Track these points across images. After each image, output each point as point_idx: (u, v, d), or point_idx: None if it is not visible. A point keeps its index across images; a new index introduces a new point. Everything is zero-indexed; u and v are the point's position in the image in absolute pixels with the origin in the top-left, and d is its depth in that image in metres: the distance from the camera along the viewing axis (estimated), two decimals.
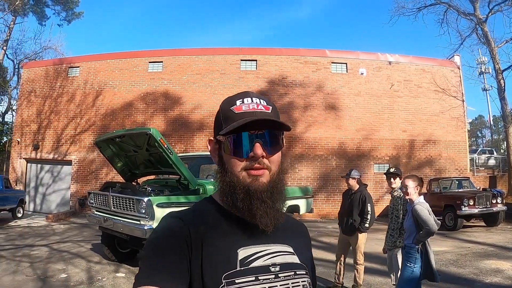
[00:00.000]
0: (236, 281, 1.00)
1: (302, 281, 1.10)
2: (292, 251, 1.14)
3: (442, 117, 19.00)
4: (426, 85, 19.07)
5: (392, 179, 5.41)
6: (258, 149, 1.05)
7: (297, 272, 1.10)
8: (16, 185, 19.52)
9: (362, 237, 6.17)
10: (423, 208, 4.31)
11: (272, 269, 1.06)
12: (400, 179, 5.31)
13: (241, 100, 1.12)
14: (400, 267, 4.87)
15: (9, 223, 14.76)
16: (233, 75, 18.76)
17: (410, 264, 4.33)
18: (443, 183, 15.00)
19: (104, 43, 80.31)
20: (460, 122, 19.18)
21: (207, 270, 1.00)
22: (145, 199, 6.78)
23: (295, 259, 1.13)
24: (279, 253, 1.10)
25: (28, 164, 20.83)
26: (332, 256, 8.77)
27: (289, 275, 1.08)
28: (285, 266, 1.08)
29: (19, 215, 16.35)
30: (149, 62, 19.50)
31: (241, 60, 19.00)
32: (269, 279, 1.04)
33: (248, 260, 1.05)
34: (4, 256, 8.69)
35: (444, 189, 14.60)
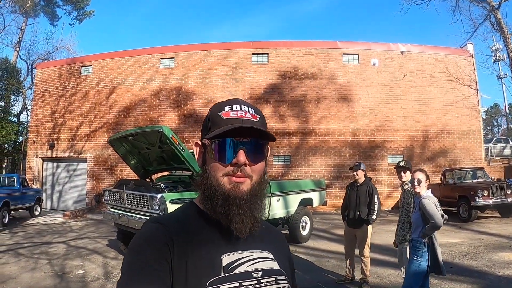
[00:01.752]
0: (221, 287, 1.00)
1: (282, 287, 1.11)
2: (272, 257, 1.16)
3: (456, 106, 18.78)
4: (439, 74, 18.84)
5: (402, 173, 5.37)
6: (241, 156, 1.06)
7: (278, 278, 1.11)
8: (33, 183, 19.78)
9: (369, 229, 6.18)
10: (430, 202, 4.29)
11: (255, 275, 1.07)
12: (411, 173, 5.26)
13: (229, 106, 1.12)
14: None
15: (27, 221, 14.96)
16: (244, 69, 18.73)
17: (417, 258, 4.32)
18: (457, 173, 14.83)
19: (115, 41, 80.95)
20: (474, 111, 18.95)
21: (191, 276, 1.00)
22: (158, 195, 6.91)
23: (275, 265, 1.14)
24: (260, 259, 1.11)
25: (44, 163, 21.10)
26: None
27: (270, 281, 1.09)
28: (266, 272, 1.09)
29: (37, 213, 16.57)
30: (161, 59, 19.57)
31: (253, 53, 18.94)
32: (251, 285, 1.05)
33: (232, 266, 1.05)
34: (22, 253, 8.86)
35: (458, 180, 14.45)
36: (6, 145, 26.40)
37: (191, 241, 1.05)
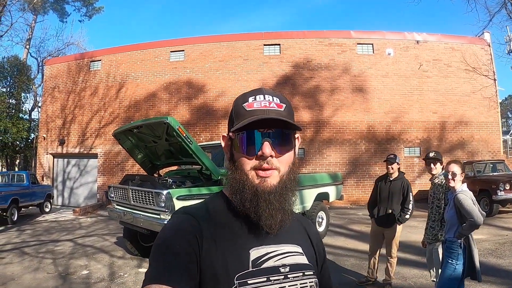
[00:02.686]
0: (249, 281, 1.01)
1: (310, 282, 1.10)
2: (301, 251, 1.14)
3: (473, 97, 18.22)
4: (455, 64, 18.24)
5: (432, 165, 4.90)
6: (267, 148, 1.04)
7: (306, 273, 1.11)
8: (43, 180, 19.73)
9: (399, 229, 5.71)
10: (467, 197, 3.83)
11: (282, 270, 1.06)
12: (441, 165, 4.84)
13: (253, 97, 1.11)
14: (440, 263, 4.40)
15: (37, 218, 14.86)
16: (256, 61, 18.36)
17: (452, 261, 3.87)
18: (477, 166, 14.28)
19: (125, 36, 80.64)
20: (492, 102, 18.33)
21: (219, 269, 1.00)
22: (164, 192, 6.46)
23: (303, 259, 1.13)
24: (289, 253, 1.10)
25: (55, 159, 21.10)
26: (364, 246, 8.32)
27: (297, 276, 1.08)
28: (294, 267, 1.09)
29: (47, 209, 16.51)
30: (171, 52, 19.29)
31: (264, 45, 18.54)
32: (278, 279, 1.04)
33: (260, 260, 1.05)
34: (27, 253, 8.59)
35: (478, 173, 13.93)
36: (17, 143, 26.39)
37: (220, 234, 1.05)
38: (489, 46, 19.16)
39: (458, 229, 3.84)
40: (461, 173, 3.99)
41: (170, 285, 0.92)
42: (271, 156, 1.05)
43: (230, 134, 1.11)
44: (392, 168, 5.71)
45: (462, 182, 4.03)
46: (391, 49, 18.36)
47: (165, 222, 6.25)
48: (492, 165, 14.44)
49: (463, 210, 3.78)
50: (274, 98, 1.11)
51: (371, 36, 18.69)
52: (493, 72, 18.50)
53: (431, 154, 4.96)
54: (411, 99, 18.06)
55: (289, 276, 1.07)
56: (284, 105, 1.10)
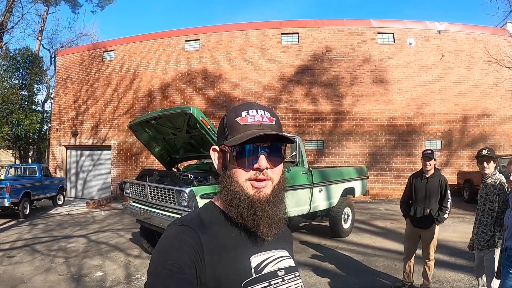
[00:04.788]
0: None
1: (300, 282, 1.20)
2: (288, 254, 1.24)
3: (496, 89, 17.58)
4: (478, 55, 17.58)
5: (485, 164, 4.42)
6: (263, 161, 1.09)
7: (296, 274, 1.20)
8: (55, 172, 19.56)
9: (437, 229, 5.27)
10: None
11: (279, 274, 1.15)
12: (495, 163, 4.38)
13: (246, 111, 1.15)
14: (495, 272, 3.94)
15: (50, 211, 14.63)
16: (274, 50, 17.87)
17: None
18: (501, 161, 13.71)
19: (138, 26, 79.72)
20: None
21: (224, 279, 1.03)
22: (187, 190, 5.93)
23: (292, 262, 1.23)
24: (282, 257, 1.20)
25: (68, 151, 20.93)
26: (392, 245, 7.98)
27: (291, 278, 1.17)
28: (288, 270, 1.18)
29: (60, 202, 16.31)
30: (186, 41, 18.89)
31: (282, 33, 18.00)
32: (277, 283, 1.13)
33: (261, 267, 1.11)
34: (39, 250, 8.22)
35: (503, 168, 13.34)
36: (30, 134, 26.29)
37: (220, 245, 1.08)
38: None
39: None
40: None
41: None
42: (266, 168, 1.10)
43: (223, 147, 1.15)
44: (430, 165, 5.27)
45: None
46: (412, 39, 17.75)
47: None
48: (510, 160, 13.82)
49: None
50: (265, 112, 1.16)
51: (392, 25, 18.10)
52: None
53: (484, 152, 4.45)
54: (432, 91, 17.51)
55: (285, 278, 1.15)
56: (274, 119, 1.17)
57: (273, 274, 1.13)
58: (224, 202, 1.13)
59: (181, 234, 1.06)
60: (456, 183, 15.57)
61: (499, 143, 17.44)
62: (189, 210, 5.84)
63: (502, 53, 16.92)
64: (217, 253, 1.05)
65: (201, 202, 5.78)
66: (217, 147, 1.20)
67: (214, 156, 1.21)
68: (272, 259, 1.15)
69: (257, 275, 1.08)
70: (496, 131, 17.62)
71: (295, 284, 1.17)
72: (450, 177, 16.19)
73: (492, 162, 4.41)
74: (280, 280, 1.13)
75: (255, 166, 1.10)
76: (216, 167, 1.22)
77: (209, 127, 6.21)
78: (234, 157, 1.11)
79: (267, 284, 1.09)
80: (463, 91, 17.62)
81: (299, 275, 1.21)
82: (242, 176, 1.11)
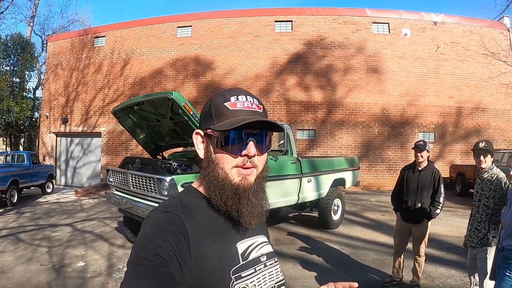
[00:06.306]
0: (242, 274, 1.07)
1: (279, 267, 1.22)
2: (267, 240, 1.25)
3: (491, 83, 17.49)
4: (474, 48, 17.46)
5: (482, 157, 4.15)
6: (252, 148, 1.07)
7: (275, 259, 1.23)
8: (44, 160, 19.40)
9: (429, 225, 5.10)
10: None
11: (262, 259, 1.16)
12: (492, 157, 4.15)
13: (235, 97, 1.12)
14: (489, 272, 3.75)
15: (38, 199, 14.44)
16: (267, 37, 17.66)
17: (511, 273, 3.22)
18: (495, 155, 13.59)
19: (131, 12, 78.86)
20: (510, 89, 17.52)
21: (212, 266, 1.01)
22: (168, 178, 5.71)
23: (270, 248, 1.24)
24: (263, 243, 1.20)
25: (58, 138, 20.71)
26: (382, 238, 7.85)
27: (272, 263, 1.19)
28: (269, 255, 1.20)
29: (49, 190, 16.15)
30: (178, 27, 18.65)
31: (276, 21, 17.78)
32: (261, 268, 1.14)
33: (246, 253, 1.12)
34: (23, 239, 8.06)
35: (496, 162, 13.21)
36: (21, 122, 26.02)
37: (206, 232, 1.05)
38: (509, 31, 18.38)
39: None
40: None
41: None
42: (254, 155, 1.08)
43: (209, 131, 1.11)
44: (422, 157, 5.04)
45: None
46: (408, 30, 17.60)
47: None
48: (510, 155, 13.73)
49: None
50: (254, 99, 1.14)
51: (387, 15, 17.87)
52: None
53: (482, 145, 4.16)
54: (427, 82, 17.38)
55: (267, 264, 1.17)
56: (262, 107, 1.15)
57: (257, 260, 1.14)
58: (207, 189, 1.11)
59: (165, 222, 1.01)
60: (448, 176, 15.47)
61: (492, 137, 17.32)
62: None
63: (498, 47, 16.81)
64: (204, 241, 1.02)
65: None
66: (200, 131, 1.16)
67: (197, 140, 1.17)
68: (255, 245, 1.16)
69: (244, 262, 1.09)
70: (490, 125, 17.56)
71: (275, 270, 1.19)
72: (443, 170, 16.06)
73: (489, 155, 4.14)
74: (263, 265, 1.15)
75: (244, 152, 1.08)
76: (198, 152, 1.17)
77: (192, 113, 5.98)
78: (222, 142, 1.08)
79: (253, 270, 1.10)
80: (458, 83, 17.52)
81: (277, 261, 1.23)
82: (228, 162, 1.08)
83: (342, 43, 17.38)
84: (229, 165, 1.08)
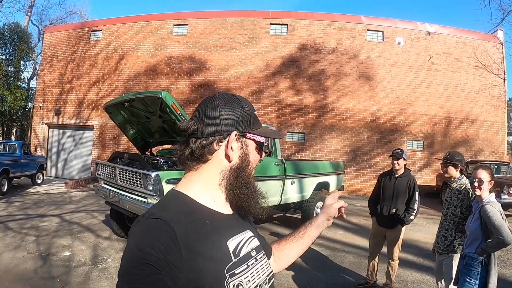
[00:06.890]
0: (236, 271, 1.07)
1: (267, 259, 1.27)
2: (253, 234, 1.25)
3: (481, 95, 17.71)
4: (466, 59, 17.70)
5: (448, 168, 4.32)
6: (263, 153, 1.26)
7: (263, 253, 1.25)
8: (35, 151, 19.40)
9: (403, 230, 5.24)
10: (495, 210, 3.35)
11: (252, 254, 1.18)
12: (457, 169, 4.26)
13: (250, 106, 1.23)
14: (452, 278, 3.94)
15: (28, 190, 14.48)
16: (262, 40, 17.84)
17: (471, 280, 3.40)
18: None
19: (129, 7, 78.86)
20: (500, 101, 17.88)
21: (206, 268, 1.01)
22: (153, 174, 5.86)
23: (257, 241, 1.25)
24: (250, 238, 1.21)
25: (50, 130, 20.70)
26: (362, 242, 7.96)
27: (261, 257, 1.22)
28: (258, 249, 1.22)
29: (39, 181, 16.22)
30: (174, 25, 18.79)
31: (271, 24, 17.97)
32: (252, 263, 1.16)
33: (238, 249, 1.12)
34: (11, 228, 8.18)
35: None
36: (15, 111, 25.98)
37: (196, 234, 1.04)
38: (502, 44, 18.63)
39: (481, 244, 3.39)
40: (490, 181, 3.52)
41: None
42: None
43: (249, 135, 1.18)
44: (398, 164, 5.18)
45: (490, 192, 3.56)
46: (402, 38, 17.81)
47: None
48: (496, 167, 13.94)
49: (490, 225, 3.32)
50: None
51: (382, 23, 18.08)
52: (504, 71, 18.08)
53: (446, 155, 4.38)
54: (418, 91, 17.58)
55: (257, 258, 1.19)
56: None
57: (248, 256, 1.15)
58: (231, 185, 1.16)
59: (153, 229, 1.00)
60: (435, 184, 15.67)
61: (481, 148, 17.62)
62: (155, 195, 5.85)
63: (491, 59, 17.09)
64: (195, 244, 1.01)
65: (166, 187, 5.75)
66: (237, 133, 1.15)
67: (232, 142, 1.15)
68: (244, 241, 1.17)
69: (236, 259, 1.10)
70: (479, 136, 17.75)
71: (265, 262, 1.23)
72: (430, 178, 16.33)
73: (452, 167, 4.34)
74: (254, 260, 1.17)
75: (262, 157, 1.25)
76: (228, 151, 1.14)
77: (179, 112, 6.16)
78: (261, 147, 1.23)
79: (245, 266, 1.12)
80: (449, 94, 17.71)
81: (265, 253, 1.26)
82: (255, 164, 1.23)
83: (336, 49, 17.57)
84: (255, 166, 1.23)
